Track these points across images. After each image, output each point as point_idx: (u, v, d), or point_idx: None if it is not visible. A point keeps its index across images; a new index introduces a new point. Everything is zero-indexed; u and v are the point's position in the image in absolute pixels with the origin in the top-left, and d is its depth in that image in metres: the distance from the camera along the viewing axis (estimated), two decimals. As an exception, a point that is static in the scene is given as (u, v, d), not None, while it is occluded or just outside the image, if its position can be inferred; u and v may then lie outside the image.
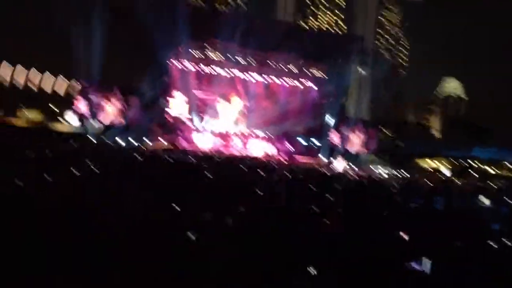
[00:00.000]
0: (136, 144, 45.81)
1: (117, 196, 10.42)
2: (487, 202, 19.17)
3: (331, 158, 57.36)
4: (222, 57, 60.05)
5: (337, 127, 63.62)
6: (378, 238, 8.55)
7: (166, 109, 55.96)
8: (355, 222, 10.35)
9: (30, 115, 52.86)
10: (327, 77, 64.36)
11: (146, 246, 7.08)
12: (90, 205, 9.06)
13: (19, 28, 60.05)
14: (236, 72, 60.70)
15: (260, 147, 57.96)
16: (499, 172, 66.79)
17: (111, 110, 55.08)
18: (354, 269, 6.90)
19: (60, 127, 50.72)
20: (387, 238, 8.83)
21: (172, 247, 7.21)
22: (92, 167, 16.67)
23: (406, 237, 8.79)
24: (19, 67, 54.51)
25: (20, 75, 54.73)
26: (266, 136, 59.83)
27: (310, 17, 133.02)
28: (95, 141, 42.03)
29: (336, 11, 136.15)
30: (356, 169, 52.18)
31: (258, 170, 24.38)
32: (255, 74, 61.78)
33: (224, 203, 10.17)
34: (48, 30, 55.42)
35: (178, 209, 9.32)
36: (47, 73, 56.17)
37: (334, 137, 62.31)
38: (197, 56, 58.91)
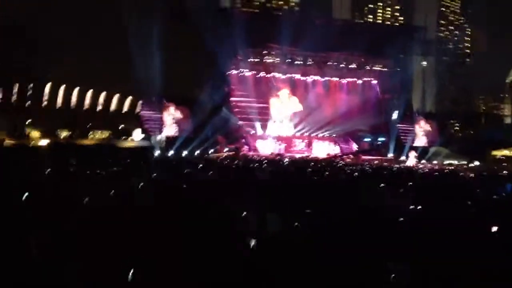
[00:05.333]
0: (198, 154, 45.60)
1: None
2: None
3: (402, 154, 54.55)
4: (281, 61, 59.26)
5: (403, 122, 61.28)
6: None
7: (228, 118, 55.05)
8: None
9: (98, 135, 53.99)
10: (390, 71, 62.25)
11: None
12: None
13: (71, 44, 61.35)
14: (295, 75, 59.87)
15: (323, 148, 56.52)
16: None
17: (172, 123, 55.32)
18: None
19: (125, 143, 51.36)
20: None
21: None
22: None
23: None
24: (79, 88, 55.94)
25: (83, 96, 56.23)
26: (330, 136, 58.39)
27: (368, 12, 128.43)
28: (156, 154, 42.08)
29: (394, 3, 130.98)
30: (427, 163, 49.69)
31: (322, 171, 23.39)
32: (314, 76, 60.64)
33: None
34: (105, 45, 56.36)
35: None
36: (107, 92, 57.18)
37: (401, 133, 60.03)
38: (255, 63, 58.47)
